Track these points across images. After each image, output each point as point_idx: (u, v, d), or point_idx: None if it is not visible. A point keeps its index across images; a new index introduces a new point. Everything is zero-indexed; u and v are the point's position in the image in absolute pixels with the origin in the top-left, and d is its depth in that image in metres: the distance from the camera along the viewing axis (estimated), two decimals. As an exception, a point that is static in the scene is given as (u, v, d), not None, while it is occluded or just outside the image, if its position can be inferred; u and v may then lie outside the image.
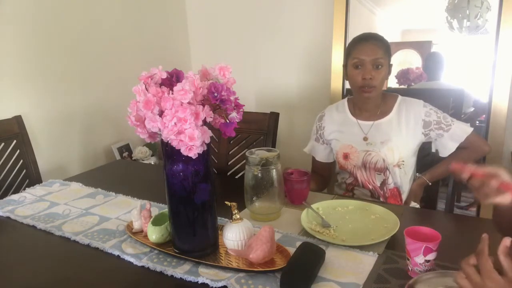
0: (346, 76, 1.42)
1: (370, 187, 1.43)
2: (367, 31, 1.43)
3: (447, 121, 1.35)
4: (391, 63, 1.39)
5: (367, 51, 1.32)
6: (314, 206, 1.19)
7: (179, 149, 0.82)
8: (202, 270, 0.91)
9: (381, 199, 1.41)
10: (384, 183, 1.41)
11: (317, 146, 1.55)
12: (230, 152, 1.75)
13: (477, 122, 2.20)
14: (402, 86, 2.28)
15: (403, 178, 1.41)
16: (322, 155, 1.55)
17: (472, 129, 1.36)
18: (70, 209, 1.28)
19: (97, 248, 1.03)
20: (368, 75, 1.32)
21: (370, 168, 1.40)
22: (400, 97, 1.43)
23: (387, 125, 1.39)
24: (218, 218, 1.02)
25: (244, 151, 1.68)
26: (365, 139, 1.41)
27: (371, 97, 1.37)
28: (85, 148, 2.20)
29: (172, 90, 0.81)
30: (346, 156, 1.44)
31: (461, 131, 1.35)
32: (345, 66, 1.42)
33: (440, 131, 1.35)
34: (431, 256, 0.82)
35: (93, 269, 0.97)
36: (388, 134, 1.38)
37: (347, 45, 1.44)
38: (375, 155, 1.38)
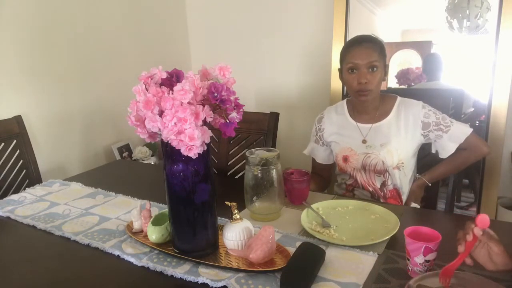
0: (342, 79, 1.42)
1: (370, 188, 1.43)
2: (367, 31, 1.43)
3: (446, 122, 1.35)
4: (387, 63, 1.38)
5: (361, 54, 1.31)
6: (314, 206, 1.19)
7: (179, 149, 0.82)
8: (202, 270, 0.91)
9: (381, 200, 1.41)
10: (384, 184, 1.41)
11: (317, 147, 1.55)
12: (230, 152, 1.75)
13: (477, 122, 2.20)
14: (402, 86, 2.28)
15: (402, 179, 1.40)
16: (322, 157, 1.55)
17: (471, 130, 1.35)
18: (70, 209, 1.28)
19: (97, 248, 1.03)
20: (363, 79, 1.31)
21: (370, 170, 1.40)
22: (399, 98, 1.42)
23: (386, 128, 1.39)
24: (218, 218, 1.02)
25: (244, 151, 1.68)
26: (364, 141, 1.41)
27: (368, 101, 1.37)
28: (85, 148, 2.21)
29: (172, 90, 0.81)
30: (345, 159, 1.44)
31: (460, 132, 1.35)
32: (340, 70, 1.42)
33: (439, 132, 1.35)
34: (431, 256, 0.83)
35: (93, 269, 0.97)
36: (387, 137, 1.37)
37: (341, 49, 1.42)
38: (375, 158, 1.38)
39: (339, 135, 1.46)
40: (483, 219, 0.76)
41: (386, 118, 1.40)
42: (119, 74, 2.32)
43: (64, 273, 0.95)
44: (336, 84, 2.29)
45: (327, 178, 1.60)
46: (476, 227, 0.76)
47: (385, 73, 1.38)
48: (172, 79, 0.88)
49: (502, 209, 2.04)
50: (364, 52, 1.31)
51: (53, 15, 1.98)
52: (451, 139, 1.35)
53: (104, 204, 1.32)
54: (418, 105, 1.37)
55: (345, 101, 1.51)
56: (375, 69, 1.32)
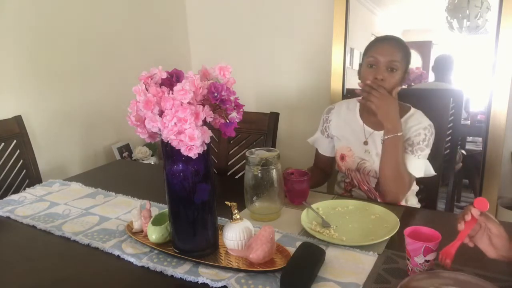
0: (359, 75, 1.37)
1: (365, 187, 1.43)
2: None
3: (421, 149, 1.30)
4: (408, 71, 1.33)
5: (384, 51, 1.28)
6: (314, 206, 1.19)
7: (179, 149, 0.82)
8: (202, 270, 0.91)
9: (379, 200, 1.41)
10: (378, 184, 1.40)
11: (321, 138, 1.54)
12: (230, 152, 1.75)
13: (477, 122, 2.21)
14: (402, 86, 2.28)
15: None
16: (325, 148, 1.54)
17: (420, 175, 1.31)
18: (70, 209, 1.28)
19: (97, 248, 1.03)
20: (380, 75, 1.27)
21: (364, 173, 1.41)
22: (411, 111, 1.35)
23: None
24: (218, 218, 1.02)
25: (244, 151, 1.68)
26: (365, 143, 1.40)
27: None
28: (85, 148, 2.20)
29: (172, 90, 0.81)
30: (342, 157, 1.44)
31: (416, 167, 1.29)
32: (360, 65, 1.38)
33: (409, 148, 1.31)
34: (431, 256, 0.82)
35: (93, 269, 0.97)
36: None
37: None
38: (369, 165, 1.38)
39: (343, 131, 1.46)
40: (481, 201, 0.79)
41: None
42: (119, 74, 2.32)
43: (64, 273, 0.95)
44: (336, 84, 2.29)
45: (328, 172, 1.59)
46: (474, 208, 0.79)
47: (404, 79, 1.32)
48: (172, 79, 0.88)
49: (502, 209, 2.05)
50: (387, 50, 1.28)
51: (53, 15, 1.98)
52: (409, 161, 1.30)
53: (104, 204, 1.32)
54: (423, 124, 1.31)
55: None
56: (394, 70, 1.28)
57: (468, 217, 0.79)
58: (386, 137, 1.26)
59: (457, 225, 0.82)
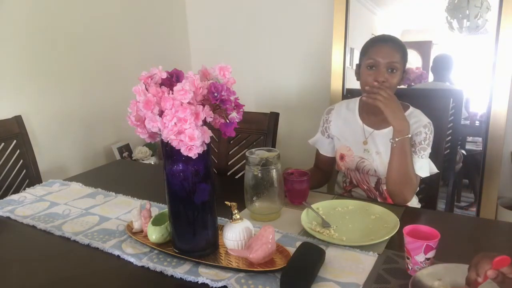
0: (358, 75, 1.38)
1: (365, 187, 1.43)
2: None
3: (423, 149, 1.30)
4: (407, 70, 1.35)
5: (383, 53, 1.28)
6: (314, 206, 1.19)
7: (179, 149, 0.82)
8: (202, 270, 0.91)
9: (379, 199, 1.41)
10: (378, 183, 1.40)
11: (322, 139, 1.54)
12: (230, 152, 1.75)
13: (477, 122, 2.21)
14: (402, 86, 2.28)
15: None
16: (326, 149, 1.54)
17: (425, 175, 1.31)
18: (70, 209, 1.28)
19: (97, 248, 1.03)
20: (381, 77, 1.27)
21: (364, 172, 1.41)
22: (410, 110, 1.36)
23: (386, 138, 1.34)
24: (218, 218, 1.02)
25: (244, 151, 1.68)
26: (364, 143, 1.40)
27: None
28: (85, 148, 2.21)
29: (172, 90, 0.81)
30: (342, 157, 1.44)
31: (421, 168, 1.30)
32: (358, 65, 1.37)
33: (412, 148, 1.30)
34: (431, 254, 0.83)
35: (93, 269, 0.96)
36: (384, 147, 1.35)
37: (364, 43, 1.37)
38: (368, 164, 1.38)
39: (342, 131, 1.46)
40: (503, 261, 0.67)
41: (388, 128, 1.34)
42: (119, 74, 2.32)
43: (64, 273, 0.95)
44: (336, 84, 2.29)
45: (328, 173, 1.59)
46: (491, 269, 0.68)
47: (402, 78, 1.34)
48: (172, 79, 0.88)
49: (502, 209, 2.05)
50: (387, 51, 1.28)
51: (53, 15, 1.98)
52: (414, 162, 1.30)
53: (104, 204, 1.32)
54: (422, 123, 1.31)
55: (358, 98, 1.47)
56: (394, 70, 1.28)
57: (472, 275, 0.69)
58: (396, 139, 1.24)
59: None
